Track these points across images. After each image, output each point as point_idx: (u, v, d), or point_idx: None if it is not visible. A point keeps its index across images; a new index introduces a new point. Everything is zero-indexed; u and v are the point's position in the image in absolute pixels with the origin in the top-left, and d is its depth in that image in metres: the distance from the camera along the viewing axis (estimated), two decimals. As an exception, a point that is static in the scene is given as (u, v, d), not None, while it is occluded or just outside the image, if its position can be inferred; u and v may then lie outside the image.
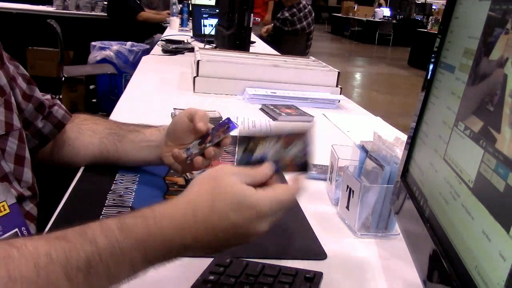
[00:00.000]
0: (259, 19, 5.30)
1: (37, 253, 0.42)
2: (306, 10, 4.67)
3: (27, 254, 0.42)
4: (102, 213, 0.74)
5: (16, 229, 0.67)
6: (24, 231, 0.68)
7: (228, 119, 0.78)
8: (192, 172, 0.85)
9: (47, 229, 0.69)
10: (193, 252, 0.52)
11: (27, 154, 0.78)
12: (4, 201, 0.68)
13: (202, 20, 3.36)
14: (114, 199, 0.79)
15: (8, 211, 0.68)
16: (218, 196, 0.51)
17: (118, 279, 0.47)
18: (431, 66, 0.59)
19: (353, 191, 0.74)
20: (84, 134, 0.89)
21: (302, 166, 0.58)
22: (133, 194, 0.81)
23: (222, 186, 0.52)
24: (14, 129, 0.75)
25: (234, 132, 0.80)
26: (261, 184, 0.54)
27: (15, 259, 0.41)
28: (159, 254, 0.49)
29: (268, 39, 4.58)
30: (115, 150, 0.87)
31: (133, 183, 0.85)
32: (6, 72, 0.76)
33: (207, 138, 0.79)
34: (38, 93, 0.85)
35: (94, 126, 0.90)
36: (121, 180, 0.86)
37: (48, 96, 0.90)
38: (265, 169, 0.56)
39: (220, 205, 0.51)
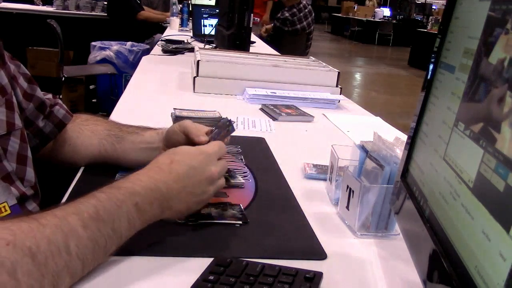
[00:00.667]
0: (259, 19, 5.30)
1: (53, 211, 0.53)
2: (306, 10, 4.67)
3: (46, 212, 0.52)
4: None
5: None
6: None
7: (230, 121, 0.78)
8: None
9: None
10: (173, 205, 0.64)
11: (29, 154, 0.78)
12: (5, 202, 0.68)
13: (202, 20, 3.36)
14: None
15: (9, 211, 0.68)
16: (174, 152, 0.68)
17: (120, 233, 0.57)
18: (431, 66, 0.59)
19: (353, 191, 0.74)
20: (84, 135, 0.89)
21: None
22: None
23: (177, 149, 0.69)
24: (15, 128, 0.75)
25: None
26: None
27: (41, 215, 0.51)
28: (146, 202, 0.60)
29: (268, 39, 4.57)
30: (114, 151, 0.87)
31: (133, 183, 0.85)
32: (7, 72, 0.76)
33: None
34: (39, 93, 0.85)
35: (94, 126, 0.90)
36: (124, 173, 0.86)
37: (50, 96, 0.90)
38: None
39: (177, 157, 0.67)
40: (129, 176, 0.63)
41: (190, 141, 0.80)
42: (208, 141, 0.78)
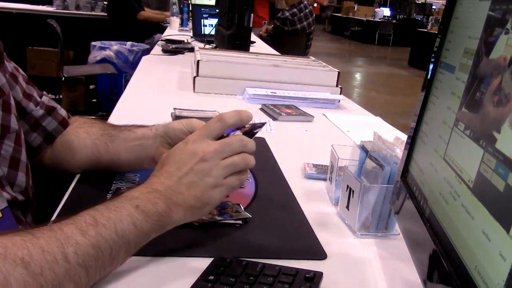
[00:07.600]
0: (266, 22, 5.31)
1: (48, 225, 0.52)
2: (307, 10, 4.67)
3: (42, 227, 0.51)
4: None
5: None
6: None
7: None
8: None
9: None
10: (178, 201, 0.61)
11: (23, 157, 0.76)
12: None
13: (202, 20, 3.36)
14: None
15: (0, 215, 0.67)
16: (165, 156, 0.66)
17: (127, 238, 0.55)
18: (431, 66, 0.59)
19: (353, 191, 0.74)
20: (80, 137, 0.87)
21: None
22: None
23: (168, 152, 0.67)
24: (10, 131, 0.73)
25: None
26: None
27: (36, 229, 0.50)
28: (148, 203, 0.58)
29: (268, 39, 4.58)
30: (106, 151, 0.84)
31: (133, 183, 0.85)
32: (5, 71, 0.75)
33: None
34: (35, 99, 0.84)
35: (89, 128, 0.88)
36: (121, 180, 0.86)
37: (45, 100, 0.88)
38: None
39: (167, 159, 0.65)
40: (123, 190, 0.62)
41: None
42: None
